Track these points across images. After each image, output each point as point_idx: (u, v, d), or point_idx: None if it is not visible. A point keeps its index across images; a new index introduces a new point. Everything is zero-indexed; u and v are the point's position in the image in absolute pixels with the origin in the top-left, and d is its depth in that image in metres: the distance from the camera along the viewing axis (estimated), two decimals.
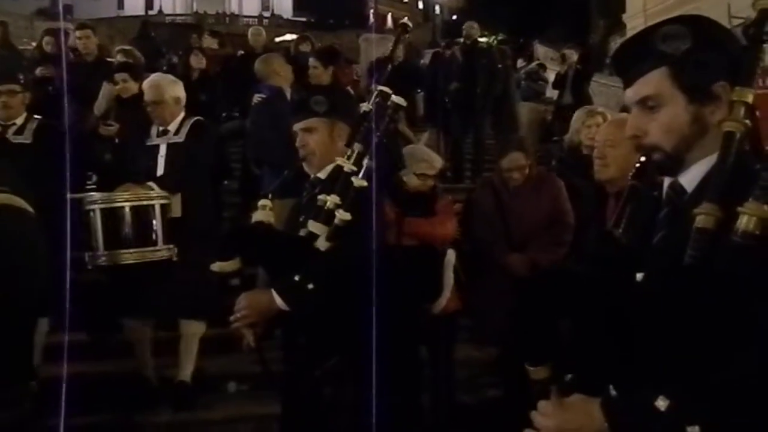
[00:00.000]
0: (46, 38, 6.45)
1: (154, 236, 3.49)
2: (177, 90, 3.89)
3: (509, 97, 8.24)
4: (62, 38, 6.50)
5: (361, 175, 2.19)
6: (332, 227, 2.16)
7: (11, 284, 2.45)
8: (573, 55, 8.68)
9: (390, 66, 2.55)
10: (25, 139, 3.80)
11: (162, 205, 3.54)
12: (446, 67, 7.76)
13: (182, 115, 3.85)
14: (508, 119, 8.17)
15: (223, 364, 4.43)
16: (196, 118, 3.90)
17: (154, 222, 3.49)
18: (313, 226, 2.20)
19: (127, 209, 3.46)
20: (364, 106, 2.34)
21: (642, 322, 1.24)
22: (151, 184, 3.60)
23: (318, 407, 2.29)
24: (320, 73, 5.48)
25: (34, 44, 9.29)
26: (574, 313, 1.31)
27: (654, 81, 1.28)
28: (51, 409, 2.51)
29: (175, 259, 3.55)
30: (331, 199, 2.18)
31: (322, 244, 2.18)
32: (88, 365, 4.03)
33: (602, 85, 9.92)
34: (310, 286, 2.17)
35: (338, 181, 2.23)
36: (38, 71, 5.61)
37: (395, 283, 2.30)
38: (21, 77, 3.94)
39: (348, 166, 2.22)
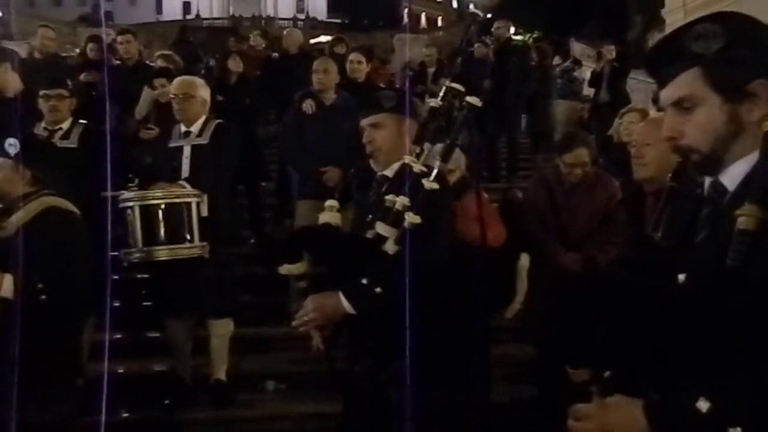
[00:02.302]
0: (90, 44, 6.62)
1: (188, 233, 3.54)
2: (205, 93, 3.96)
3: (545, 96, 8.16)
4: (104, 44, 6.67)
5: (432, 176, 2.11)
6: (402, 230, 2.10)
7: (58, 284, 2.53)
8: (610, 52, 8.56)
9: (460, 59, 2.45)
10: (71, 143, 3.91)
11: (197, 203, 3.60)
12: (478, 66, 7.73)
13: (204, 117, 3.91)
14: (544, 118, 8.10)
15: (262, 362, 4.49)
16: (218, 121, 3.96)
17: (189, 219, 3.55)
18: (381, 228, 2.14)
19: (163, 206, 3.52)
20: (432, 102, 2.26)
21: (684, 323, 1.23)
22: (182, 182, 3.67)
23: (383, 411, 2.25)
24: (363, 69, 5.54)
25: (77, 50, 9.57)
26: (615, 316, 1.30)
27: (687, 82, 1.26)
28: (95, 406, 2.60)
29: (206, 256, 3.60)
30: (400, 201, 2.12)
31: (390, 247, 2.12)
32: (127, 364, 4.14)
33: (640, 82, 9.76)
34: (378, 290, 2.13)
35: (407, 181, 2.16)
36: (82, 76, 5.76)
37: (467, 287, 2.27)
38: (69, 83, 4.06)
39: (418, 167, 2.15)
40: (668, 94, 1.30)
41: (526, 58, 8.01)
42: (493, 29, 8.01)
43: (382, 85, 6.44)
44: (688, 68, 1.26)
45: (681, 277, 1.27)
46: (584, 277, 2.14)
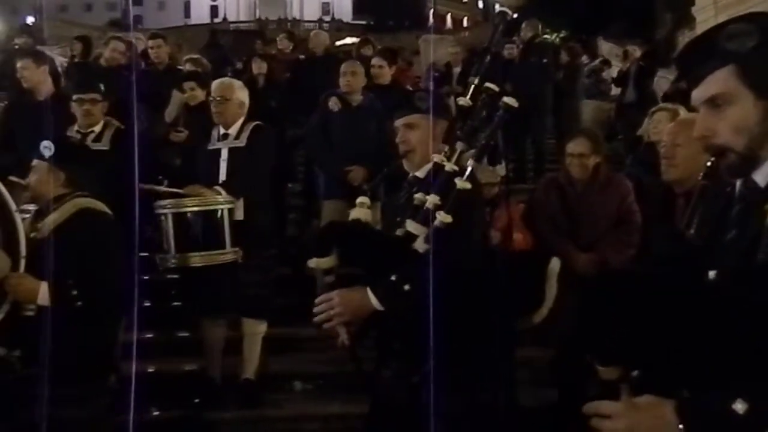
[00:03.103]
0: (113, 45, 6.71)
1: (221, 239, 3.60)
2: (243, 95, 4.02)
3: (572, 96, 8.10)
4: (133, 48, 6.77)
5: (465, 176, 2.10)
6: (432, 230, 2.08)
7: (92, 284, 2.58)
8: (636, 51, 8.46)
9: (489, 57, 2.42)
10: (103, 145, 3.98)
11: (229, 210, 3.65)
12: (508, 67, 7.70)
13: (242, 119, 3.96)
14: (570, 118, 8.04)
15: (289, 363, 4.52)
16: (255, 122, 3.99)
17: (221, 226, 3.61)
18: (411, 226, 2.13)
19: (196, 214, 3.59)
20: (462, 101, 2.23)
21: (714, 321, 1.22)
22: (217, 188, 3.71)
23: (413, 414, 2.19)
24: (385, 72, 5.56)
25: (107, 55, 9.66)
26: (644, 313, 1.29)
27: (720, 80, 1.26)
28: (127, 404, 2.65)
29: (240, 261, 3.66)
30: (431, 200, 2.11)
31: (420, 246, 2.11)
32: (157, 363, 4.20)
33: (669, 81, 9.64)
34: (407, 287, 2.11)
35: (437, 180, 2.16)
36: None
37: (495, 290, 2.25)
38: (102, 86, 4.14)
39: (450, 166, 2.13)
40: (701, 92, 1.29)
41: (551, 57, 7.95)
42: (521, 29, 7.97)
43: (409, 86, 6.44)
44: (722, 66, 1.26)
45: (711, 273, 1.27)
46: (613, 273, 2.11)
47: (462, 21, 52.46)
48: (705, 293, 1.26)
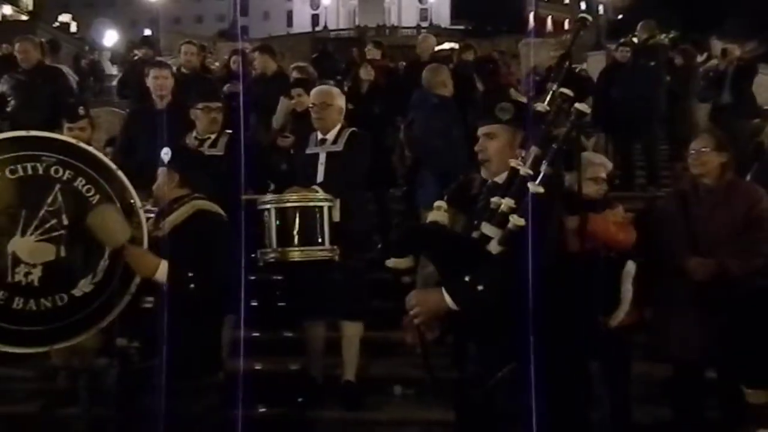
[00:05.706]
0: (234, 57, 7.03)
1: (319, 236, 3.66)
2: (342, 101, 4.12)
3: (685, 99, 7.70)
4: (240, 57, 7.06)
5: (538, 180, 2.16)
6: (505, 231, 2.16)
7: (206, 282, 2.69)
8: (735, 50, 7.87)
9: (568, 63, 2.47)
10: (219, 151, 4.15)
11: (328, 207, 3.71)
12: (614, 69, 7.43)
13: (340, 125, 4.04)
14: (683, 123, 7.64)
15: (390, 366, 4.54)
16: (352, 128, 4.06)
17: (320, 223, 3.67)
18: (486, 228, 2.22)
19: (297, 210, 3.67)
20: (540, 107, 2.30)
21: None
22: (315, 187, 3.79)
23: (491, 418, 2.26)
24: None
25: (218, 63, 10.15)
26: None
27: None
28: (234, 400, 2.75)
29: (336, 259, 3.70)
30: (506, 203, 2.18)
31: (494, 247, 2.19)
32: (264, 361, 4.32)
33: None
34: (480, 287, 2.16)
35: (513, 184, 2.22)
36: (226, 88, 6.09)
37: (570, 293, 2.26)
38: (222, 95, 4.33)
39: (524, 170, 2.21)
40: None
41: (662, 60, 7.61)
42: (636, 30, 7.68)
43: (511, 90, 6.33)
44: None
45: None
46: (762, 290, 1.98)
47: (563, 23, 51.15)
48: None
